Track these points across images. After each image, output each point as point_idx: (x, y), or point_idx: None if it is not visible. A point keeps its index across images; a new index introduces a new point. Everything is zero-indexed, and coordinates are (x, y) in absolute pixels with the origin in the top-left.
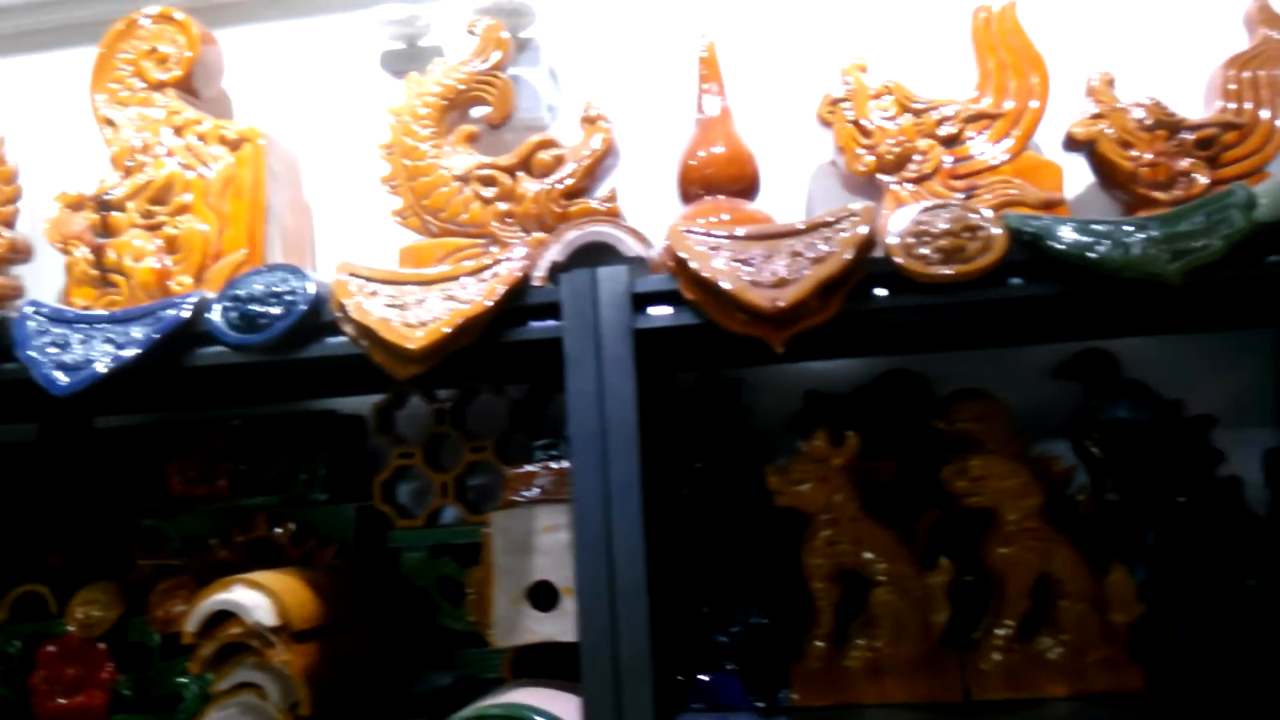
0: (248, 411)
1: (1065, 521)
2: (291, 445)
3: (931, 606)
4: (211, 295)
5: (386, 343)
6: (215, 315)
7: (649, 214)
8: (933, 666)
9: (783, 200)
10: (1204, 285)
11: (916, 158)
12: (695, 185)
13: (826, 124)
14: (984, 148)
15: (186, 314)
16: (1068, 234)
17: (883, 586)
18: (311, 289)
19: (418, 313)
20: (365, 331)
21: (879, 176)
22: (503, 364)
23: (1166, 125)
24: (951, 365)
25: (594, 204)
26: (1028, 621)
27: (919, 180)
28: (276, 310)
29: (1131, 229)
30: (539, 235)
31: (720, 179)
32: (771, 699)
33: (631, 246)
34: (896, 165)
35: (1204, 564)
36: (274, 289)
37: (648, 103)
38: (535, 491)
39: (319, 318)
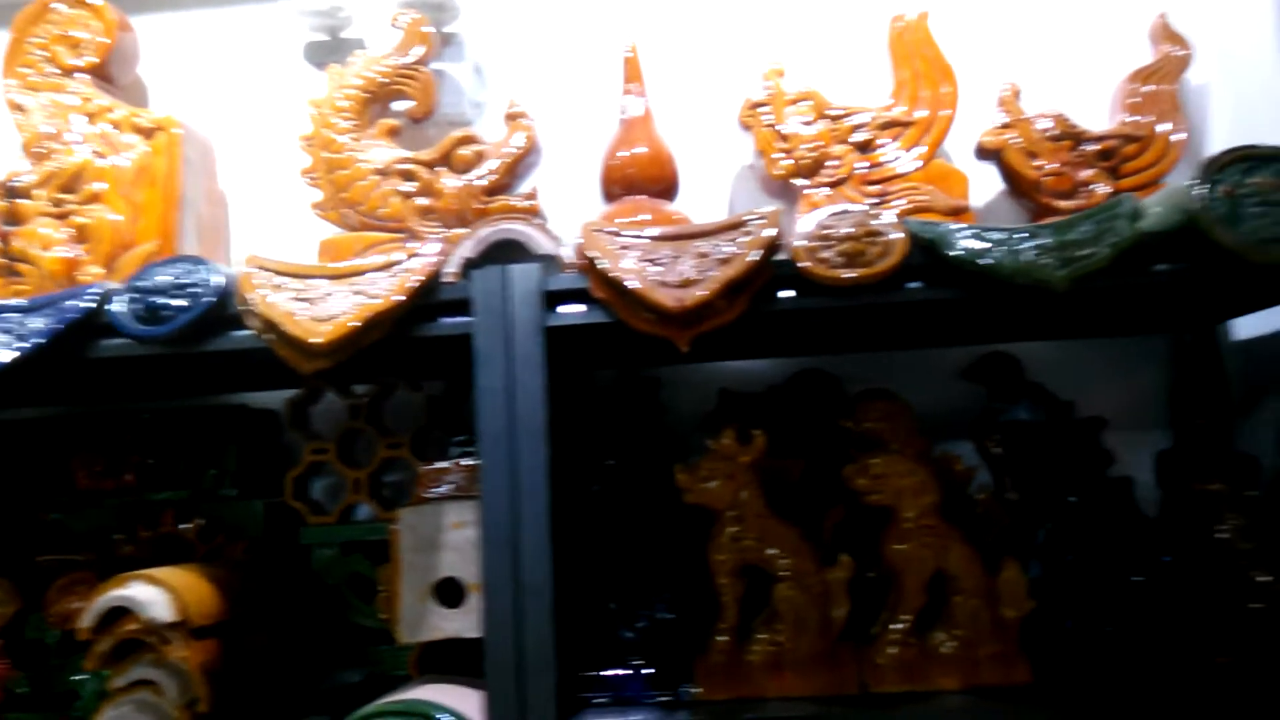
0: (158, 405)
1: (966, 519)
2: (201, 440)
3: (832, 602)
4: (115, 286)
5: (292, 337)
6: (118, 307)
7: (571, 212)
8: (831, 660)
9: (704, 202)
10: (1093, 292)
11: (831, 163)
12: (616, 185)
13: (747, 128)
14: (896, 155)
15: (89, 305)
16: (963, 241)
17: (785, 582)
18: (218, 281)
19: (325, 307)
20: (271, 325)
21: (795, 181)
22: (420, 359)
23: (1070, 136)
24: (864, 366)
25: (515, 201)
26: (923, 616)
27: (834, 185)
28: (181, 302)
29: (1024, 237)
30: (459, 231)
31: (641, 179)
32: (675, 693)
33: (543, 244)
34: (812, 170)
35: (1092, 561)
36: (179, 281)
37: (571, 102)
38: (446, 488)
39: (225, 310)
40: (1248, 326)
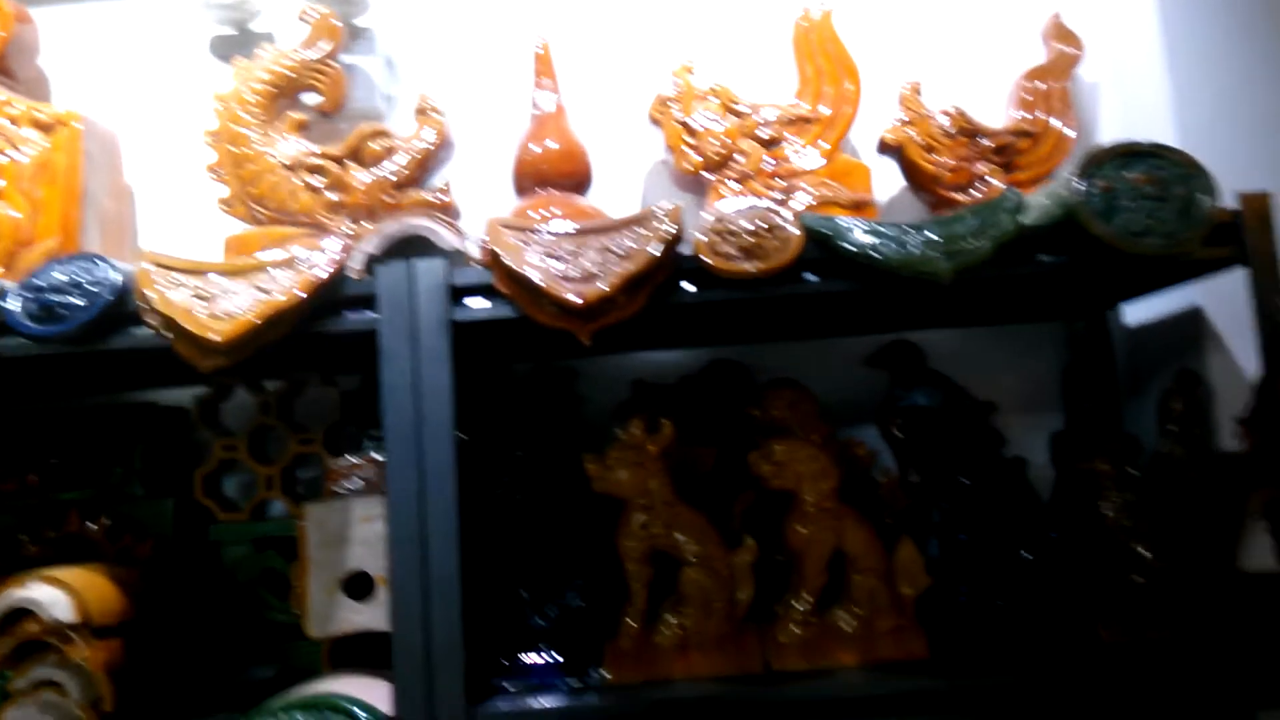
0: (64, 404)
1: (868, 502)
2: (108, 438)
3: (737, 584)
4: (9, 285)
5: (190, 334)
6: (13, 305)
7: (483, 207)
8: (736, 641)
9: (617, 196)
10: (978, 282)
11: (739, 158)
12: (528, 179)
13: (657, 123)
14: (801, 150)
15: None
16: (856, 235)
17: (692, 566)
18: (116, 279)
19: (224, 304)
20: (169, 323)
21: (704, 175)
22: (333, 354)
23: (967, 132)
24: (774, 356)
25: (427, 196)
26: (824, 596)
27: (742, 180)
28: (78, 301)
29: (913, 231)
30: (369, 226)
31: (553, 174)
32: (585, 678)
33: (448, 240)
34: (720, 165)
35: (984, 539)
36: (76, 279)
37: (483, 96)
38: (356, 483)
39: (124, 308)
40: (1136, 313)
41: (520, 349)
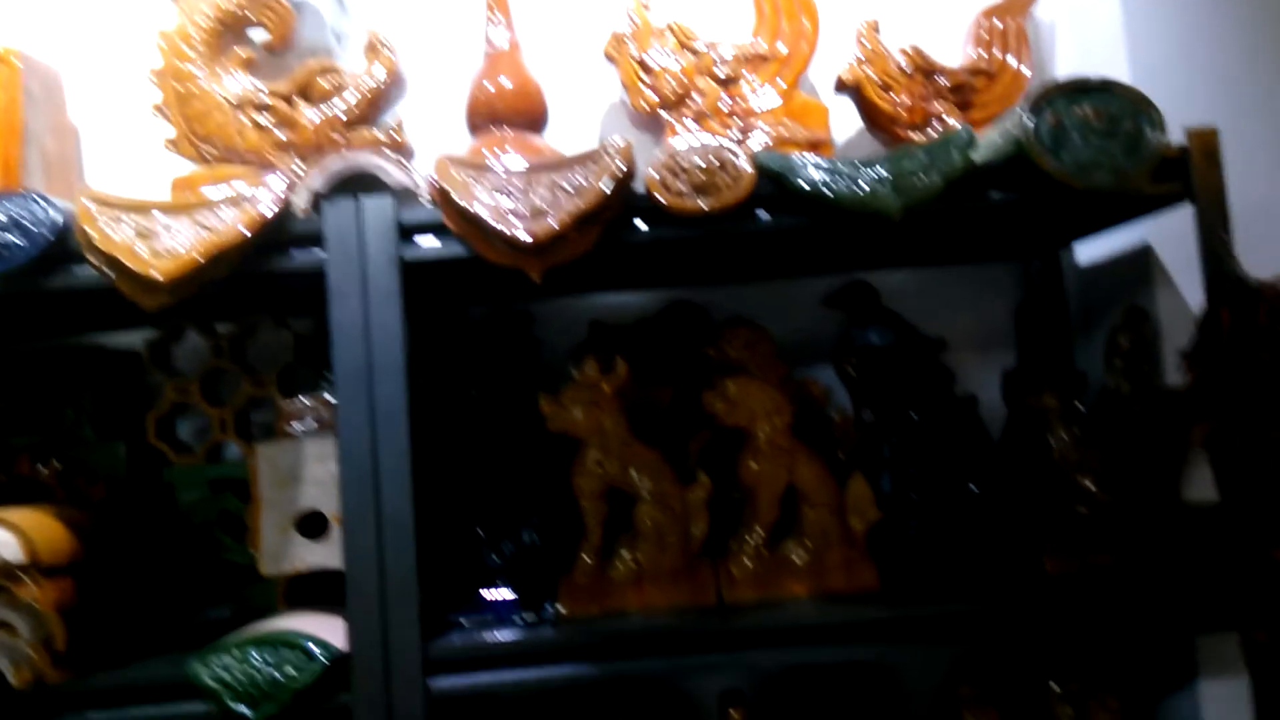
0: (11, 348)
1: (822, 439)
2: (57, 381)
3: (691, 520)
4: None
5: (132, 272)
6: None
7: (437, 147)
8: (690, 575)
9: (574, 135)
10: (929, 219)
11: (696, 96)
12: (482, 118)
13: (612, 61)
14: (758, 89)
15: None
16: (808, 171)
17: (646, 503)
18: (56, 217)
19: (166, 241)
20: (111, 261)
21: (660, 114)
22: (286, 296)
23: (924, 71)
24: (732, 297)
25: (378, 134)
26: (777, 530)
27: (698, 119)
28: (18, 240)
29: (865, 168)
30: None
31: (507, 112)
32: (540, 612)
33: (396, 177)
34: (677, 103)
35: (934, 473)
36: (15, 217)
37: (436, 33)
38: (309, 424)
39: (65, 247)
40: (1088, 252)
41: (476, 291)
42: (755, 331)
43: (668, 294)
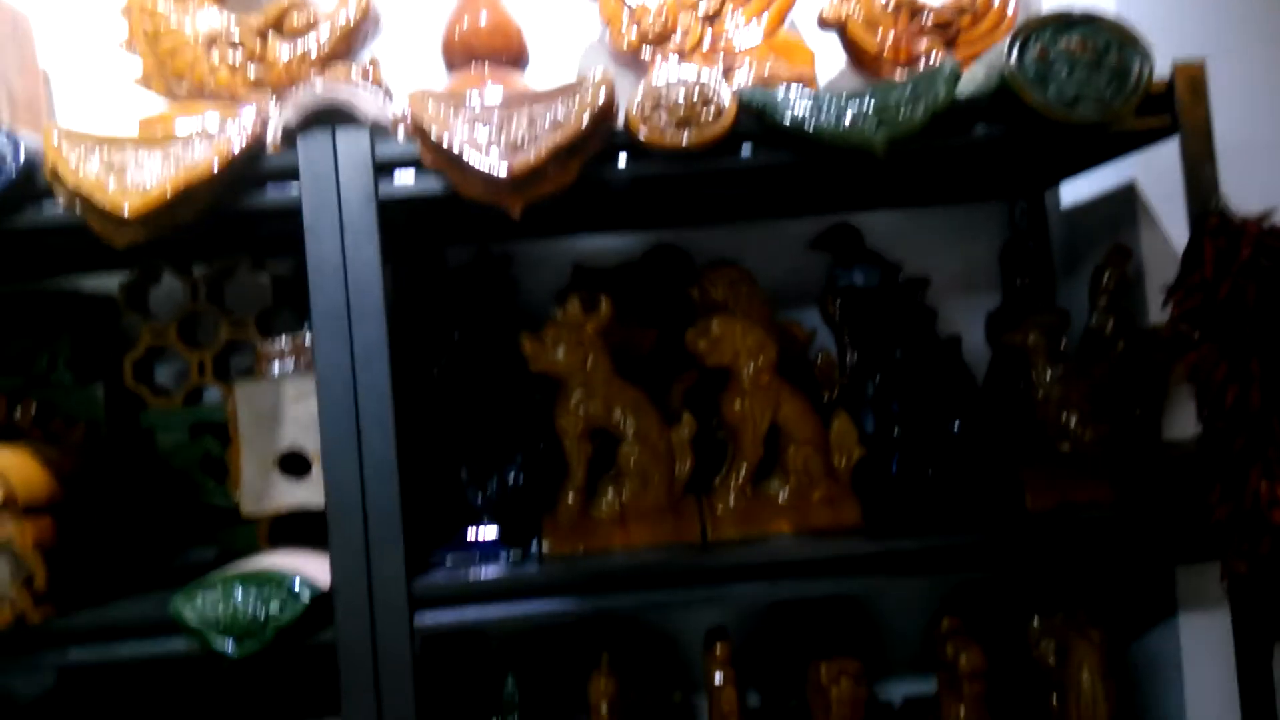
0: None
1: (805, 381)
2: (32, 325)
3: (676, 459)
4: None
5: (102, 208)
6: None
7: (414, 84)
8: (675, 513)
9: (555, 74)
10: (912, 154)
11: (678, 34)
12: (460, 55)
13: None
14: (741, 26)
15: None
16: (791, 105)
17: (630, 442)
18: (22, 152)
19: (136, 176)
20: (80, 196)
21: (642, 52)
22: (262, 238)
23: (909, 7)
24: (717, 240)
25: (353, 72)
26: (761, 468)
27: (681, 56)
28: None
29: (849, 101)
30: None
31: (485, 49)
32: (524, 550)
33: (370, 110)
34: (659, 40)
35: (916, 411)
36: None
37: None
38: (288, 365)
39: (33, 184)
40: (1073, 192)
41: (455, 233)
42: (738, 272)
43: (649, 237)
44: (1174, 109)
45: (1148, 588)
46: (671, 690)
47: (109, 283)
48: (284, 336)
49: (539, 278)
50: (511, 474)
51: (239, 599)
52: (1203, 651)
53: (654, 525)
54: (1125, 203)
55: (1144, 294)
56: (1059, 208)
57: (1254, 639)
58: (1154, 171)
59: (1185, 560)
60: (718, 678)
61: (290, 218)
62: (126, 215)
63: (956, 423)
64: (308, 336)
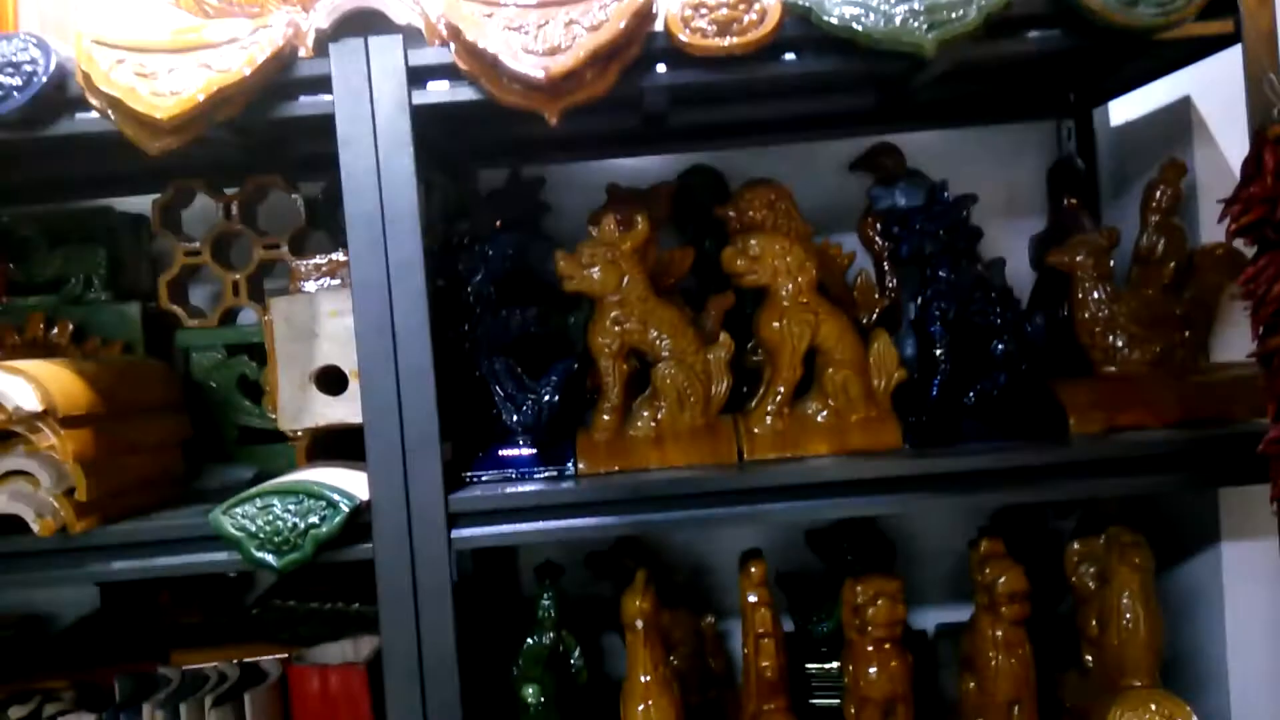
0: (18, 210)
1: (843, 304)
2: (67, 244)
3: (713, 380)
4: None
5: (135, 114)
6: None
7: None
8: (711, 434)
9: None
10: (964, 60)
11: None
12: None
13: None
14: None
15: None
16: (837, 7)
17: (666, 362)
18: (54, 59)
19: (169, 82)
20: (112, 102)
21: None
22: (297, 159)
23: None
24: (754, 162)
25: None
26: (799, 390)
27: None
28: (15, 81)
29: (899, 2)
30: None
31: None
32: (559, 469)
33: (403, 13)
34: None
35: (958, 333)
36: (12, 59)
37: None
38: (320, 278)
39: (65, 92)
40: (1122, 113)
41: (490, 155)
42: (777, 190)
43: (685, 159)
44: (1237, 13)
45: (1190, 515)
46: (704, 615)
47: (143, 203)
48: (318, 255)
49: (572, 201)
50: (547, 394)
51: (278, 511)
52: (1245, 580)
53: (690, 446)
54: (1179, 120)
55: (1196, 214)
56: (1108, 127)
57: None
58: (1210, 88)
59: (1232, 482)
60: (752, 598)
61: (322, 137)
62: (160, 120)
63: (999, 345)
64: (342, 255)
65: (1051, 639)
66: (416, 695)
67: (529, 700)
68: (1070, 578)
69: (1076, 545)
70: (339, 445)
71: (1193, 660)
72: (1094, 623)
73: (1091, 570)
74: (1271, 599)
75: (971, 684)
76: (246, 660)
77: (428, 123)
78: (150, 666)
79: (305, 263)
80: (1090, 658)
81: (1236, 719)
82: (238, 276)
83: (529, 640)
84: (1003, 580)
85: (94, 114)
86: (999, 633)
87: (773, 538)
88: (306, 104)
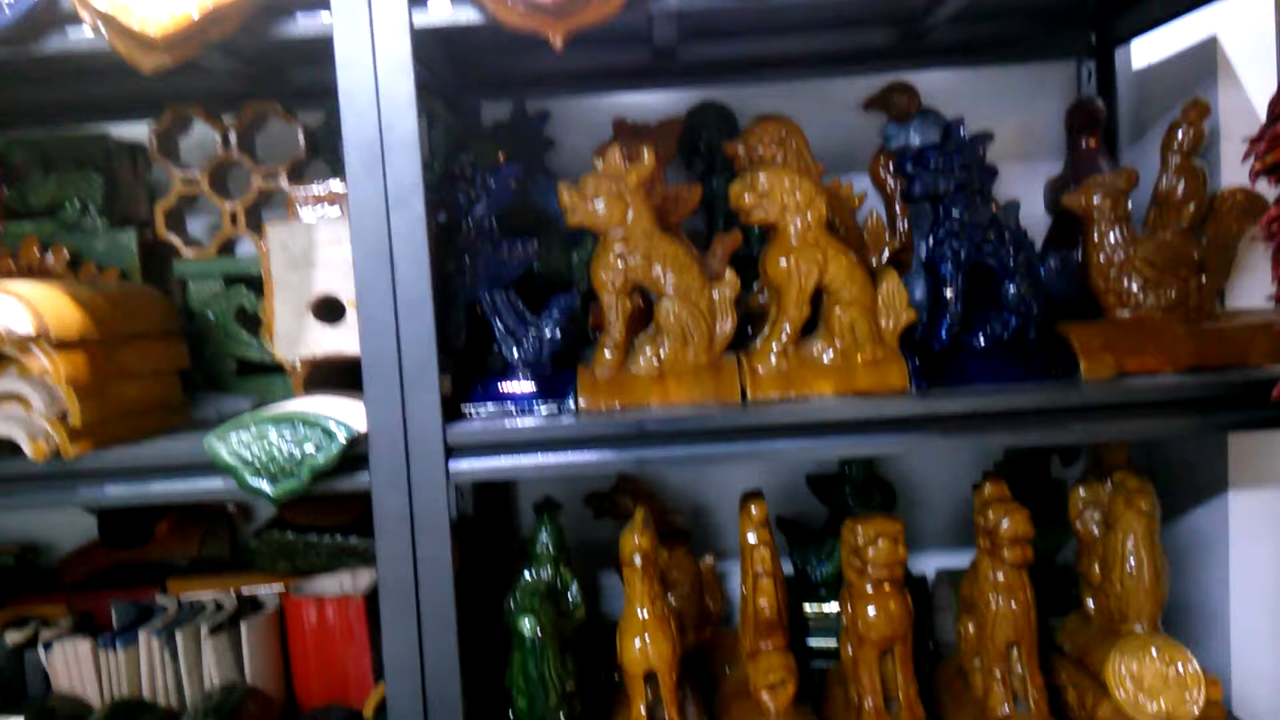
0: (13, 135)
1: (853, 246)
2: (63, 170)
3: (718, 318)
4: None
5: (129, 30)
6: None
7: None
8: (714, 372)
9: None
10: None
11: None
12: None
13: None
14: None
15: None
16: None
17: (670, 298)
18: None
19: None
20: (105, 18)
21: None
22: (295, 88)
23: None
24: (762, 99)
25: None
26: (805, 330)
27: None
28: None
29: None
30: None
31: None
32: (559, 404)
33: None
34: None
35: (969, 275)
36: None
37: None
38: (321, 209)
39: (56, 7)
40: (1144, 55)
41: (493, 87)
42: (788, 125)
43: (694, 94)
44: None
45: (1198, 463)
46: (703, 556)
47: (141, 132)
48: (316, 183)
49: (578, 137)
50: (548, 329)
51: (274, 439)
52: (1251, 528)
53: (693, 384)
54: (1204, 61)
55: (1217, 158)
56: (1130, 69)
57: None
58: (1238, 27)
59: (1243, 428)
60: (751, 537)
61: (322, 63)
62: (153, 36)
63: (1011, 288)
64: (342, 185)
65: (1051, 587)
66: (413, 626)
67: (524, 633)
68: (1074, 523)
69: (1082, 491)
70: (338, 379)
71: (1195, 608)
72: (1096, 568)
73: (1096, 516)
74: (1276, 549)
75: (970, 626)
76: (244, 591)
77: (430, 48)
78: (147, 595)
79: (304, 190)
80: (1092, 603)
81: (1237, 667)
82: (236, 206)
83: (525, 574)
84: (1006, 523)
85: (86, 30)
86: (1000, 576)
87: (774, 482)
88: (304, 23)
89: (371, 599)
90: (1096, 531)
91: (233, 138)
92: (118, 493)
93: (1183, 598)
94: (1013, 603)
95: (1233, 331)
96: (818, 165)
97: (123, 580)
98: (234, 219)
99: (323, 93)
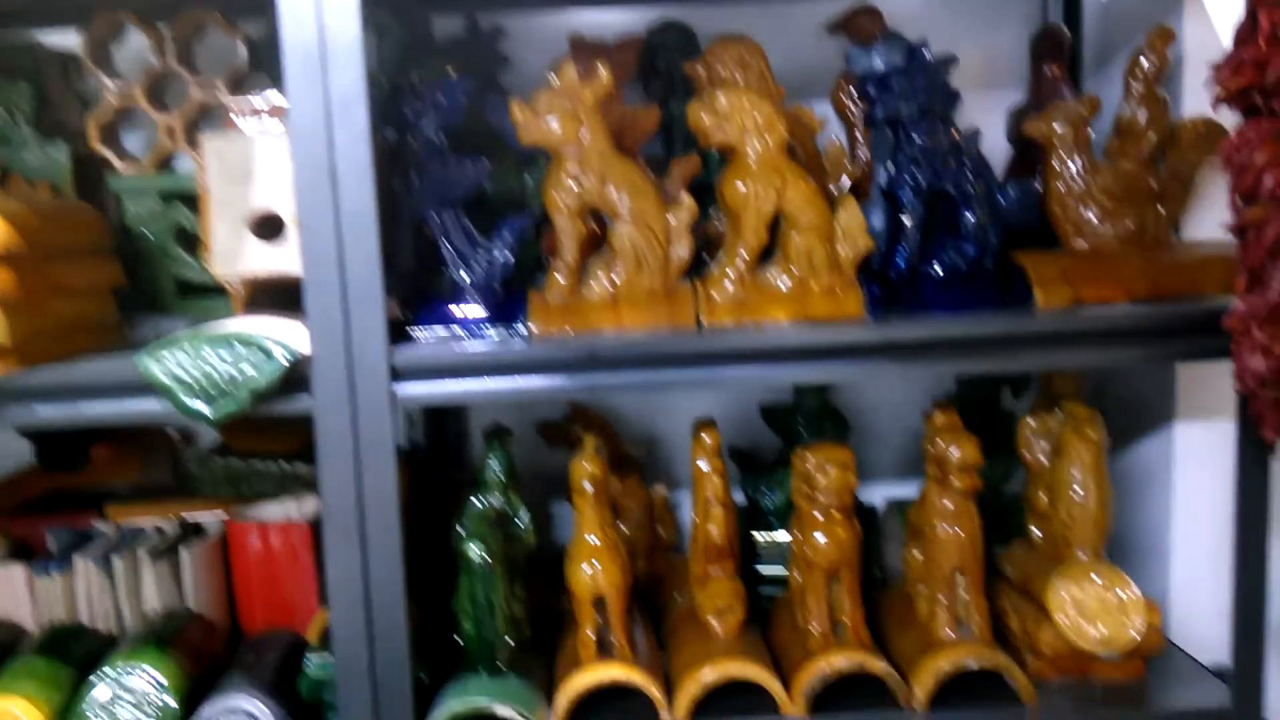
0: None
1: (814, 170)
2: None
3: (673, 243)
4: None
5: None
6: None
7: None
8: (669, 298)
9: None
10: None
11: None
12: None
13: None
14: None
15: None
16: None
17: (625, 222)
18: None
19: None
20: None
21: None
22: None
23: None
24: (723, 21)
25: None
26: (762, 257)
27: None
28: None
29: None
30: None
31: None
32: (510, 329)
33: None
34: None
35: (928, 203)
36: None
37: None
38: (257, 118)
39: None
40: None
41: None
42: (748, 47)
43: (653, 12)
44: None
45: (1146, 395)
46: (654, 485)
47: (71, 39)
48: (257, 96)
49: (532, 56)
50: (499, 251)
51: (211, 359)
52: (1195, 459)
53: (647, 310)
54: None
55: (1180, 88)
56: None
57: (1257, 443)
58: None
59: (1194, 357)
60: (703, 465)
61: None
62: None
63: (969, 216)
64: (283, 97)
65: (998, 518)
66: (356, 552)
67: (472, 558)
68: (1023, 452)
69: (1031, 421)
70: (283, 302)
71: (1137, 536)
72: (1042, 496)
73: (1044, 446)
74: (1219, 478)
75: (917, 553)
76: (187, 517)
77: None
78: (85, 521)
79: (243, 101)
80: (1038, 531)
81: (1175, 596)
82: (174, 120)
83: (475, 501)
84: (955, 451)
85: None
86: (948, 503)
87: (728, 414)
88: None
89: (317, 525)
90: (1045, 460)
91: (170, 48)
92: (49, 414)
93: (1125, 527)
94: (959, 530)
95: (1188, 262)
96: (779, 89)
97: (60, 506)
98: (171, 133)
99: (264, 3)
